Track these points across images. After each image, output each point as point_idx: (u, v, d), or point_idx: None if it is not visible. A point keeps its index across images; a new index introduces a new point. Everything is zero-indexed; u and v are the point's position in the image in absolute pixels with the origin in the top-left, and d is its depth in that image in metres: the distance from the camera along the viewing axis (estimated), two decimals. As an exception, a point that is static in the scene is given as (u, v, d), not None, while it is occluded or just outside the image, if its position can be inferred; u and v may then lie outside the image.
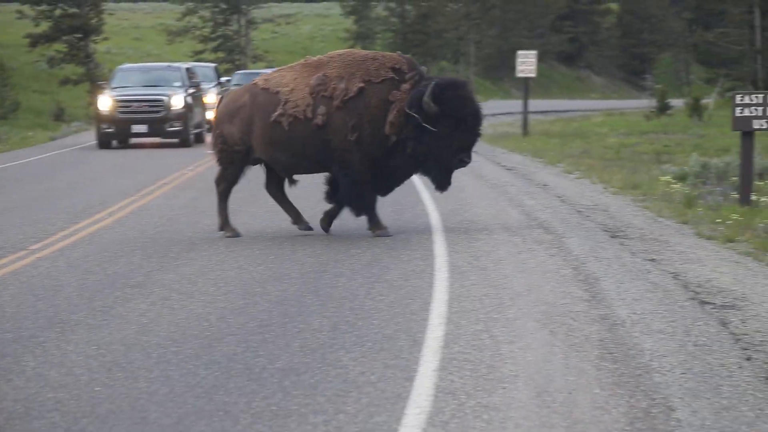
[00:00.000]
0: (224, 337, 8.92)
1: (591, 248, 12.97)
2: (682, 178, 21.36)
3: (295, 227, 14.62)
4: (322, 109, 14.19)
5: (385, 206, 16.61)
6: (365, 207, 14.28)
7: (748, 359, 8.10)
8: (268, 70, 59.72)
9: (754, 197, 18.08)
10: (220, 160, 14.88)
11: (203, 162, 25.87)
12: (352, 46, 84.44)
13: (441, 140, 13.74)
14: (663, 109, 49.13)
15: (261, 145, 14.47)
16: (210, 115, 38.17)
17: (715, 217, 15.87)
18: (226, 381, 7.68)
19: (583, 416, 6.72)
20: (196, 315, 9.75)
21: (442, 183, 14.26)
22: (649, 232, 14.52)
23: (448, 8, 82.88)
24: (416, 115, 13.69)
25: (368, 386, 7.47)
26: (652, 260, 12.31)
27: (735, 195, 18.28)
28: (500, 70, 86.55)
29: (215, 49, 75.48)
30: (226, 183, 14.83)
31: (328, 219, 14.69)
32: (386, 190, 14.61)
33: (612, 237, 13.98)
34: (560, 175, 22.68)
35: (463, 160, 13.97)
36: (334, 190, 14.55)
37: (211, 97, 38.51)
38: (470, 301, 10.04)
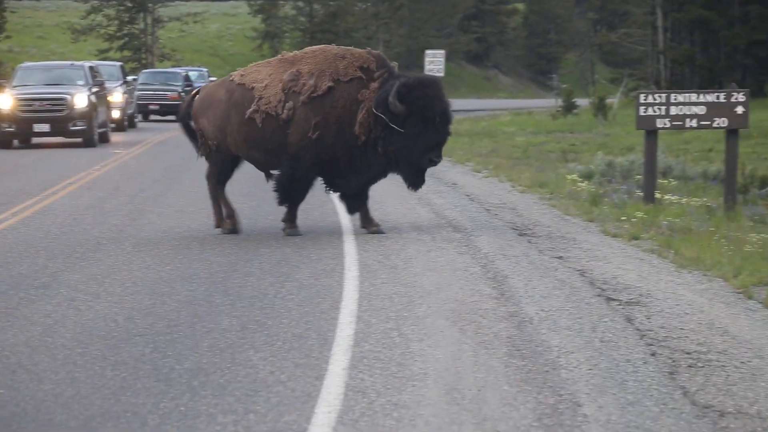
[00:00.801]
0: (132, 338, 8.81)
1: (499, 246, 13.06)
2: (588, 176, 21.64)
3: (212, 228, 14.49)
4: (289, 104, 14.01)
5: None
6: (291, 200, 14.15)
7: (653, 354, 8.22)
8: (178, 69, 58.82)
9: (657, 195, 18.36)
10: (205, 155, 14.74)
11: (109, 162, 25.55)
12: (260, 46, 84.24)
13: (409, 140, 13.54)
14: (569, 108, 49.74)
15: (236, 141, 14.30)
16: (116, 114, 37.91)
17: (621, 214, 16.10)
18: (133, 382, 7.59)
19: (492, 413, 6.76)
20: (102, 316, 9.63)
21: (414, 182, 14.09)
22: (556, 230, 14.67)
23: (356, 7, 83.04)
24: (383, 116, 13.55)
25: (278, 385, 7.43)
26: (560, 258, 12.44)
27: (639, 193, 18.57)
28: (409, 69, 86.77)
29: (121, 48, 74.68)
30: (214, 177, 14.70)
31: (365, 218, 14.38)
32: (360, 189, 14.31)
33: (520, 235, 14.11)
34: (469, 174, 22.84)
35: (433, 160, 13.76)
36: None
37: (117, 96, 38.05)
38: (380, 300, 10.05)
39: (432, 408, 6.88)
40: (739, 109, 17.96)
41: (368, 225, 14.29)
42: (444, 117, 13.72)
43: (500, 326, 8.98)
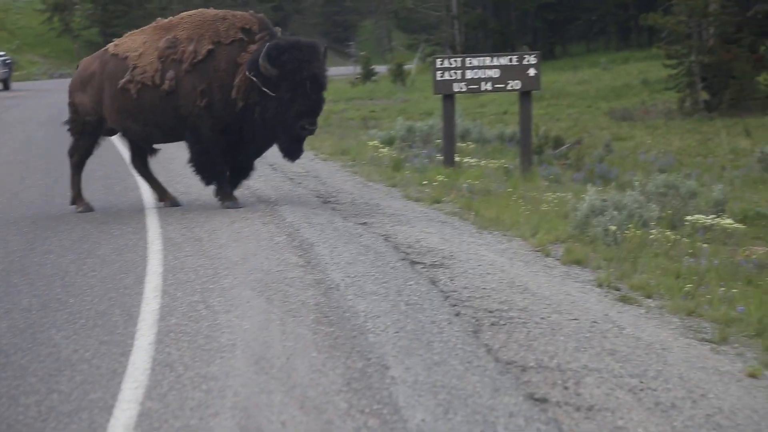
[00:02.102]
0: (-74, 324, 8.49)
1: (304, 215, 13.07)
2: (389, 142, 21.89)
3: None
4: (170, 74, 13.44)
5: (95, 180, 16.23)
6: (215, 176, 13.67)
7: (457, 315, 8.38)
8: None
9: (457, 158, 18.70)
10: (72, 131, 14.18)
11: None
12: (49, 18, 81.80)
13: (281, 105, 12.96)
14: (368, 75, 50.10)
15: (111, 114, 13.78)
16: None
17: (422, 179, 16.34)
18: (-71, 369, 7.31)
19: (301, 380, 6.77)
20: None
21: (290, 152, 13.50)
22: (359, 196, 14.77)
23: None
24: (256, 79, 13.00)
25: (82, 363, 7.28)
26: (364, 224, 12.53)
27: (439, 157, 18.87)
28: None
29: None
30: (78, 155, 14.16)
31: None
32: (247, 160, 13.90)
33: (324, 203, 14.15)
34: (270, 144, 22.73)
35: (306, 128, 13.13)
36: None
37: None
38: (185, 273, 9.94)
39: (241, 378, 6.85)
40: (531, 72, 18.41)
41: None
42: (315, 82, 12.98)
43: (307, 294, 9.00)
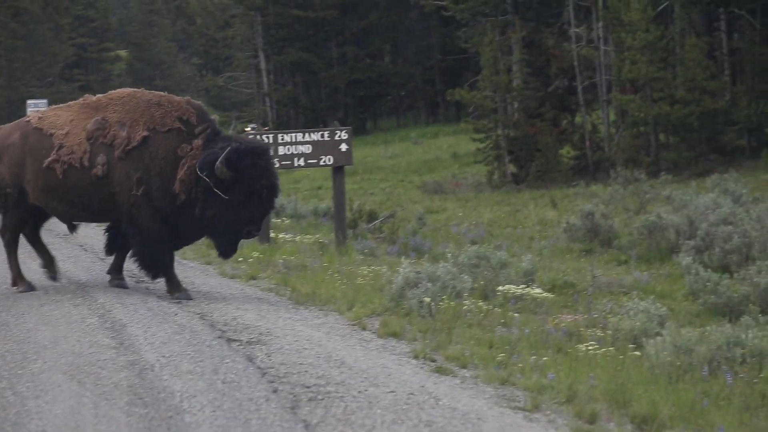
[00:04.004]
0: None
1: (116, 295, 12.82)
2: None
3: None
4: (101, 158, 12.76)
5: None
6: (161, 268, 12.92)
7: (275, 391, 8.33)
8: None
9: (272, 234, 18.70)
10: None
11: None
12: None
13: (231, 208, 12.40)
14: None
15: (34, 190, 13.06)
16: None
17: (238, 256, 16.24)
18: None
19: (116, 465, 6.61)
20: None
21: (226, 251, 12.99)
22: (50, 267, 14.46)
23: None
24: (207, 179, 12.37)
25: None
26: (179, 302, 12.38)
27: (254, 233, 18.80)
28: (11, 119, 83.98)
29: None
30: (9, 232, 13.40)
31: (116, 272, 13.48)
32: (174, 249, 13.25)
33: (137, 282, 13.92)
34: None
35: (251, 232, 12.76)
36: (113, 241, 13.38)
37: None
38: (-8, 359, 9.59)
39: (53, 466, 6.64)
40: (343, 147, 18.65)
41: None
42: (271, 190, 12.60)
43: (121, 375, 8.81)
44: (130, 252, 13.14)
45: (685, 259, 16.56)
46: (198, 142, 12.69)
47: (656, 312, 12.04)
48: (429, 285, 12.40)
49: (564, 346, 10.65)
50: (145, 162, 12.73)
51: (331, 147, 18.53)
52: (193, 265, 15.78)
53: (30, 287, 13.33)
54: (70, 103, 13.68)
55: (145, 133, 12.76)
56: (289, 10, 67.08)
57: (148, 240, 12.83)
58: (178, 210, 12.71)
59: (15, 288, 13.36)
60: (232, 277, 14.66)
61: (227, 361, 9.36)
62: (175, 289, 12.87)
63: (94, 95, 13.61)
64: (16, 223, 13.53)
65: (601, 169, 40.92)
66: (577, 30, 44.18)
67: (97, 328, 10.84)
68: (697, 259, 17.21)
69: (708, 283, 14.80)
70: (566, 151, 44.04)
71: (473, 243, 19.38)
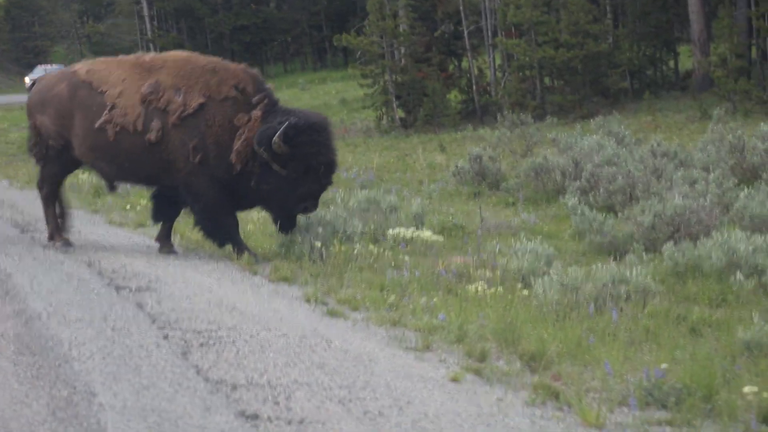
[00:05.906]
0: None
1: (0, 245, 12.59)
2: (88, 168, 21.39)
3: None
4: (156, 124, 12.19)
5: None
6: (226, 235, 12.39)
7: (165, 337, 8.28)
8: None
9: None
10: (37, 157, 12.76)
11: None
12: None
13: (287, 184, 11.98)
14: None
15: (81, 148, 12.47)
16: None
17: (125, 204, 16.07)
18: None
19: (2, 413, 6.51)
20: None
21: (283, 225, 12.36)
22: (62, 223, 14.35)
23: None
24: (264, 153, 11.94)
25: None
26: (65, 251, 12.21)
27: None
28: None
29: None
30: (48, 185, 12.79)
31: (165, 239, 12.86)
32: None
33: (23, 232, 13.70)
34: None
35: (308, 208, 12.22)
36: (160, 208, 12.83)
37: None
38: None
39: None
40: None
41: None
42: (329, 167, 12.17)
43: (7, 325, 8.67)
44: (193, 221, 12.73)
45: (570, 199, 16.80)
46: (257, 113, 12.24)
47: (543, 252, 12.22)
48: (320, 229, 12.41)
49: (454, 287, 10.76)
50: (201, 130, 12.27)
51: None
52: (79, 213, 15.54)
53: (68, 243, 12.83)
54: (121, 58, 13.07)
55: (201, 100, 12.30)
56: (173, -46, 66.05)
57: (208, 208, 12.39)
58: (235, 179, 12.29)
59: (51, 243, 12.85)
60: (120, 224, 14.50)
61: (116, 308, 9.28)
62: (244, 254, 12.26)
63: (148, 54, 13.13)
64: (56, 175, 13.07)
65: (488, 113, 41.26)
66: (463, -26, 44.25)
67: (-18, 279, 10.65)
68: (582, 200, 17.48)
69: (593, 223, 15.05)
70: (454, 96, 44.26)
71: (363, 187, 19.42)
